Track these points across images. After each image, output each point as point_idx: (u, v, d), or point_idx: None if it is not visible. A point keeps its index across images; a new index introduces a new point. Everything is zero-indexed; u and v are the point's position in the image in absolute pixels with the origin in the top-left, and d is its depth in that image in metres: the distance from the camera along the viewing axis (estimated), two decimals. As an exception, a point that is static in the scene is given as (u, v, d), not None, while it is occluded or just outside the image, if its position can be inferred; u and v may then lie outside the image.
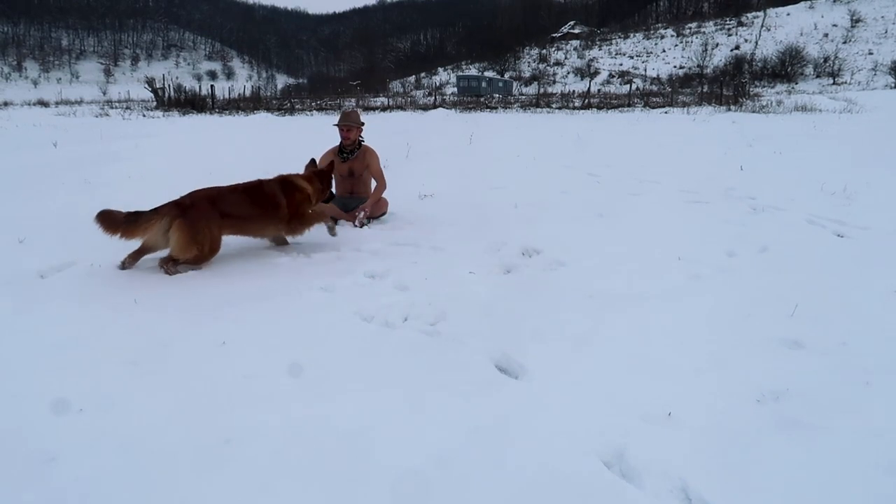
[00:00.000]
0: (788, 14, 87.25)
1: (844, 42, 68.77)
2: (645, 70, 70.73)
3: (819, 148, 9.06)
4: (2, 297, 3.00)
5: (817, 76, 56.45)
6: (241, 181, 3.88)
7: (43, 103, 27.95)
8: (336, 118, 5.06)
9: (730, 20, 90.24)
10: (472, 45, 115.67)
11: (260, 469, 1.73)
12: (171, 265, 3.41)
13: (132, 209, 3.40)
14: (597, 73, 74.17)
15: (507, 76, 73.56)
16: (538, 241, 4.08)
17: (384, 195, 4.87)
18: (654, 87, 47.31)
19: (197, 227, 3.38)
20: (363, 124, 4.92)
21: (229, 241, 4.06)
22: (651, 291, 3.15)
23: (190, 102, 23.66)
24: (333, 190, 4.94)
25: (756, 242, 3.99)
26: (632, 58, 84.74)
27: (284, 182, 3.96)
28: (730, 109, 19.64)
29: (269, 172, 3.95)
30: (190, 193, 3.58)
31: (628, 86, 37.72)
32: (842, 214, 4.71)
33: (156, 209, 3.41)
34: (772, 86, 48.66)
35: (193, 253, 3.40)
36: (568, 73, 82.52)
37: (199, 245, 3.41)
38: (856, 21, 74.47)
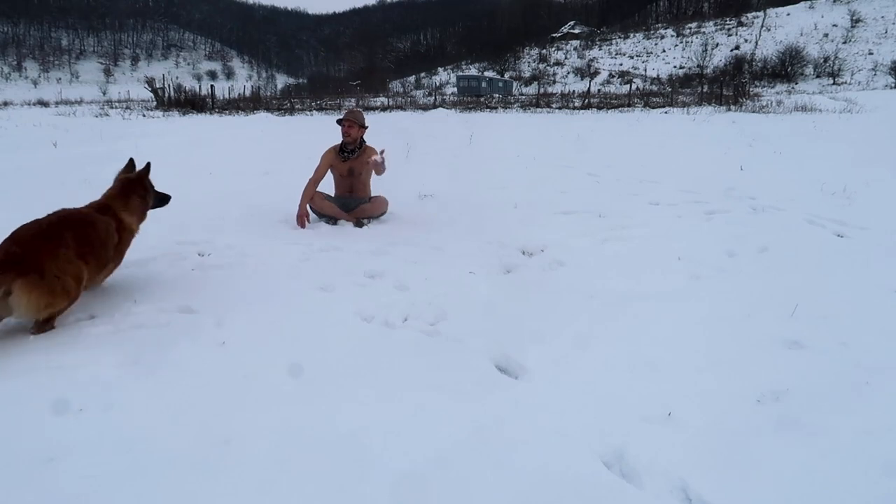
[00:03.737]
0: (788, 14, 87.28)
1: (844, 42, 68.77)
2: (645, 70, 70.72)
3: (819, 148, 9.05)
4: (2, 297, 2.99)
5: (817, 76, 56.45)
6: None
7: (43, 103, 27.97)
8: (338, 117, 5.05)
9: (730, 20, 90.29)
10: (472, 45, 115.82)
11: (260, 469, 1.73)
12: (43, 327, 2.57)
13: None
14: (597, 73, 74.18)
15: (507, 76, 73.60)
16: (538, 241, 4.08)
17: (384, 195, 4.87)
18: (654, 87, 47.31)
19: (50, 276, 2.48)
20: (366, 127, 4.87)
21: (230, 242, 4.07)
22: (651, 291, 3.14)
23: (190, 102, 23.64)
24: (333, 190, 4.96)
25: (756, 242, 3.99)
26: (632, 58, 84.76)
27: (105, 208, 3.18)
28: (730, 109, 19.62)
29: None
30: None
31: (628, 86, 37.72)
32: (842, 214, 4.70)
33: None
34: (772, 86, 48.66)
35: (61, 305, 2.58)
36: (568, 73, 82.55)
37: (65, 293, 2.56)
38: (856, 21, 74.49)
